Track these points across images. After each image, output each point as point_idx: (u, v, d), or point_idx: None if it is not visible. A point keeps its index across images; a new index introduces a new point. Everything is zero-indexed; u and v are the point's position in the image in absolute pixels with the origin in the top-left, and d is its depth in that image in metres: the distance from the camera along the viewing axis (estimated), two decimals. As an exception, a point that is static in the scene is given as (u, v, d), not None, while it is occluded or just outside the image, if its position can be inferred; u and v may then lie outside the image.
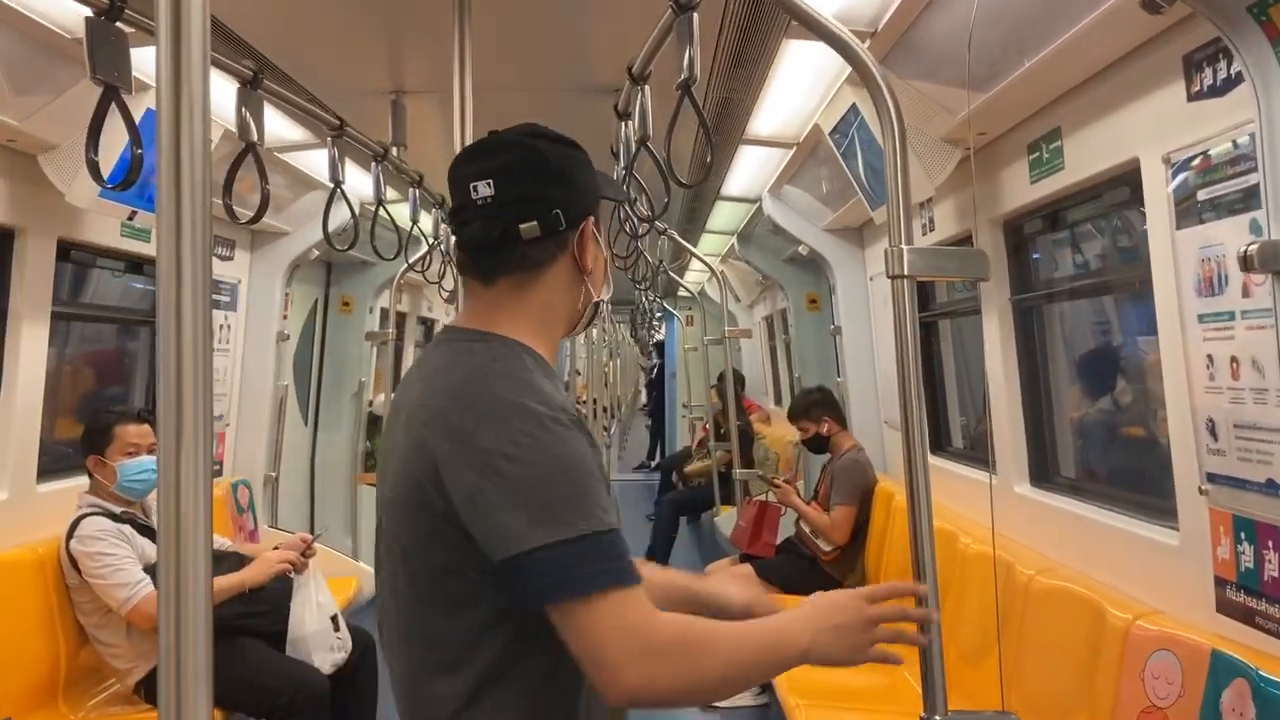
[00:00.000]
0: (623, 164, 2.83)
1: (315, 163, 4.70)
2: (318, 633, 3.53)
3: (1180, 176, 2.31)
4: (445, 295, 6.19)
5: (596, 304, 1.48)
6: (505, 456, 1.22)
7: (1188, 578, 2.42)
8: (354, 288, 7.05)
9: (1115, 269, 3.11)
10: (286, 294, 5.68)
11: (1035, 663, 2.86)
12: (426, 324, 9.60)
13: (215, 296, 5.07)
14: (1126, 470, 3.24)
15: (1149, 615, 2.43)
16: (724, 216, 6.53)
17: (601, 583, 1.20)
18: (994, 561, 2.30)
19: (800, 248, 5.72)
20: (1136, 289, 2.90)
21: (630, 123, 2.76)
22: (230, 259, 5.22)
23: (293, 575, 3.59)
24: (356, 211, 3.46)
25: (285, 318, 5.72)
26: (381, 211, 3.64)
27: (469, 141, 2.73)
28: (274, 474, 5.68)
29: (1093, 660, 2.54)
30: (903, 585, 1.56)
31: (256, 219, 2.44)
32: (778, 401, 9.59)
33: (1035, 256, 3.53)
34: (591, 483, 1.25)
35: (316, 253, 5.68)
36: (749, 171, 5.13)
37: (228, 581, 3.46)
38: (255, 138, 2.41)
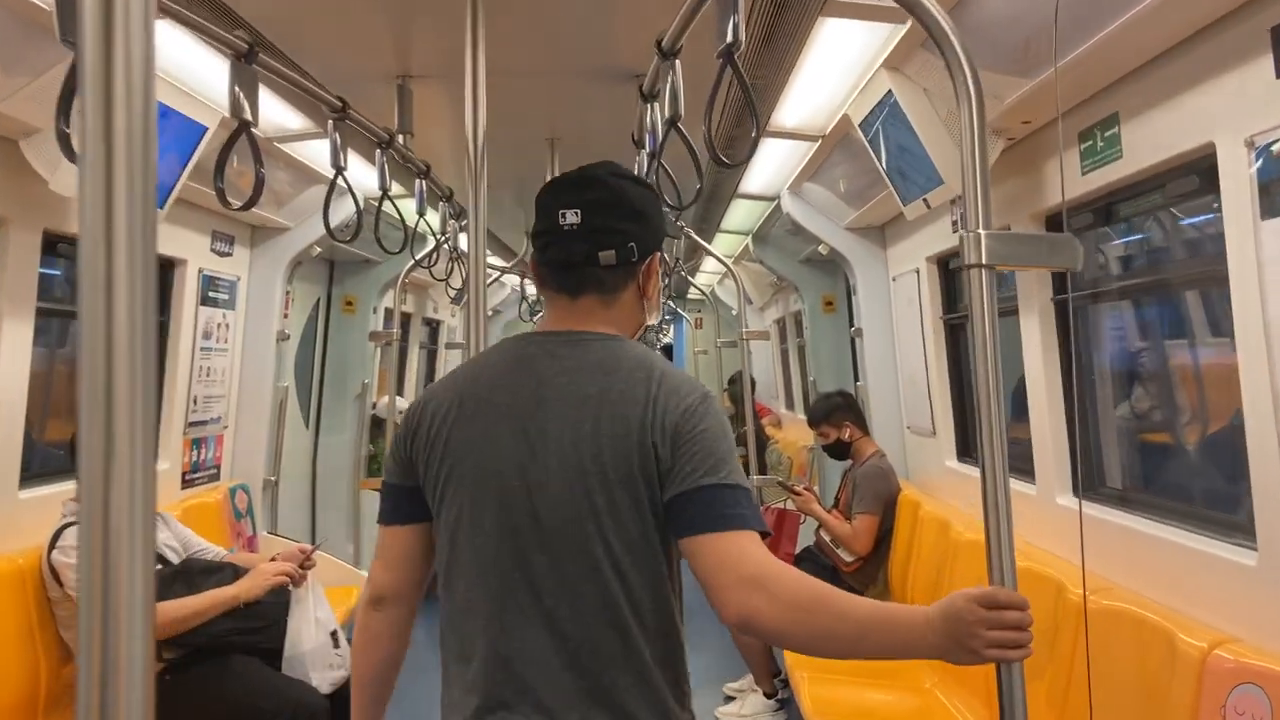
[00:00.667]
0: (649, 149, 2.62)
1: (317, 154, 4.49)
2: (316, 650, 3.32)
3: (1265, 160, 2.10)
4: (452, 295, 5.99)
5: (647, 326, 1.70)
6: (697, 415, 1.49)
7: (1267, 601, 2.20)
8: (357, 287, 6.87)
9: (1176, 265, 2.89)
10: (287, 292, 5.48)
11: (1093, 693, 2.64)
12: (432, 325, 9.40)
13: (213, 294, 4.87)
14: (1184, 481, 3.02)
15: (1227, 643, 2.20)
16: (739, 216, 6.32)
17: (755, 523, 1.45)
18: (1084, 602, 2.07)
19: (820, 247, 5.52)
20: (1203, 285, 2.68)
21: (657, 105, 2.56)
22: (229, 255, 5.02)
23: (290, 588, 3.39)
24: (360, 203, 3.27)
25: (286, 316, 5.52)
26: (388, 206, 3.45)
27: (481, 129, 2.53)
28: (274, 478, 5.47)
29: (1162, 693, 2.32)
30: (1018, 597, 1.45)
31: (250, 204, 2.23)
32: (789, 406, 9.40)
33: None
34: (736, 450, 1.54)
35: (319, 249, 5.47)
36: (770, 167, 4.92)
37: (220, 595, 3.25)
38: (249, 116, 2.20)
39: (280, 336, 5.37)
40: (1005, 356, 3.80)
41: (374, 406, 6.89)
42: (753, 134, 1.96)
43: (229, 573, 3.40)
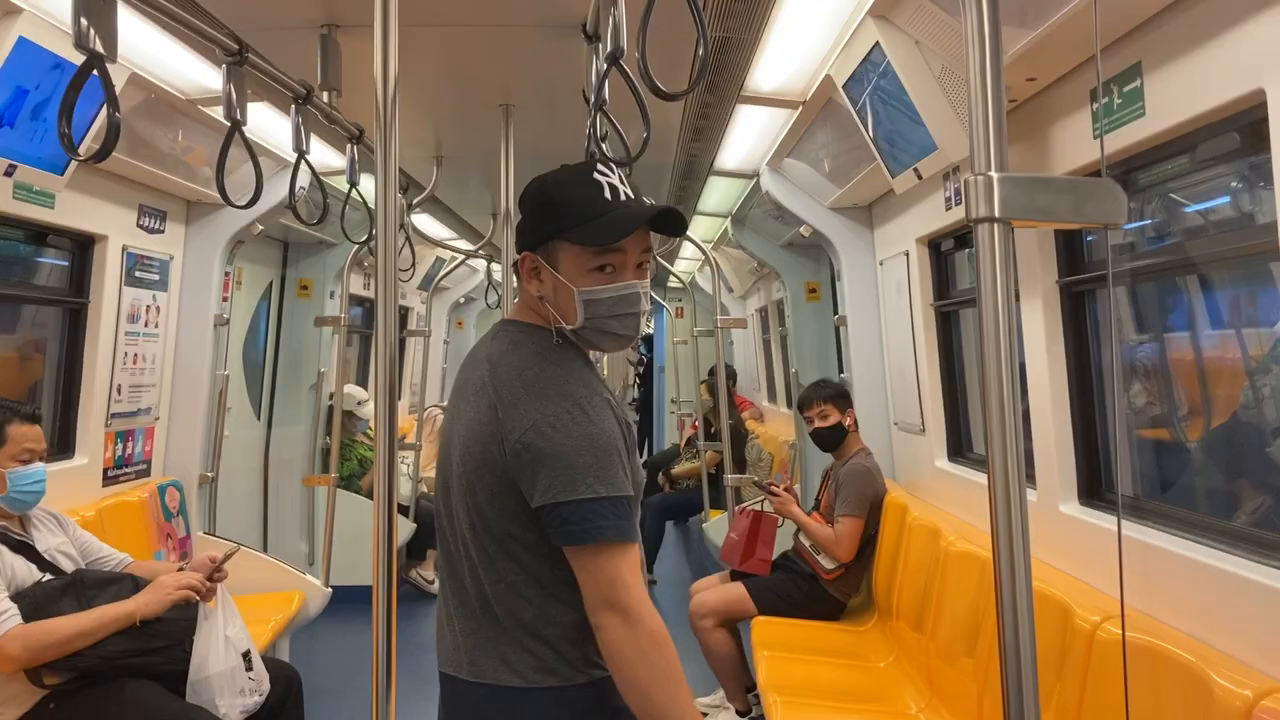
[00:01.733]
0: (594, 100, 2.24)
1: (262, 125, 4.03)
2: (225, 673, 2.94)
3: (1330, 110, 1.73)
4: (404, 280, 5.57)
5: (573, 330, 1.69)
6: (551, 427, 1.56)
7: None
8: (312, 269, 6.48)
9: (1205, 241, 2.50)
10: (227, 273, 5.06)
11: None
12: (400, 311, 8.97)
13: (141, 274, 4.46)
14: (1213, 491, 2.65)
15: (1278, 693, 1.84)
16: (717, 196, 5.94)
17: (610, 535, 1.53)
18: (1124, 645, 1.71)
19: (802, 229, 5.14)
20: (1238, 263, 2.32)
21: (601, 46, 2.17)
22: (160, 232, 4.60)
23: (198, 603, 3.00)
24: (259, 163, 2.83)
25: (225, 300, 5.10)
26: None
27: (391, 86, 2.13)
28: (211, 474, 5.05)
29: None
30: None
31: (102, 155, 1.84)
32: (771, 398, 9.04)
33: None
34: (610, 457, 1.57)
35: (261, 227, 5.05)
36: (748, 139, 4.52)
37: (114, 612, 2.86)
38: (99, 48, 1.80)
39: (219, 321, 4.95)
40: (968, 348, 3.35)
41: (331, 397, 6.50)
42: (699, 52, 1.56)
43: (128, 585, 3.01)
